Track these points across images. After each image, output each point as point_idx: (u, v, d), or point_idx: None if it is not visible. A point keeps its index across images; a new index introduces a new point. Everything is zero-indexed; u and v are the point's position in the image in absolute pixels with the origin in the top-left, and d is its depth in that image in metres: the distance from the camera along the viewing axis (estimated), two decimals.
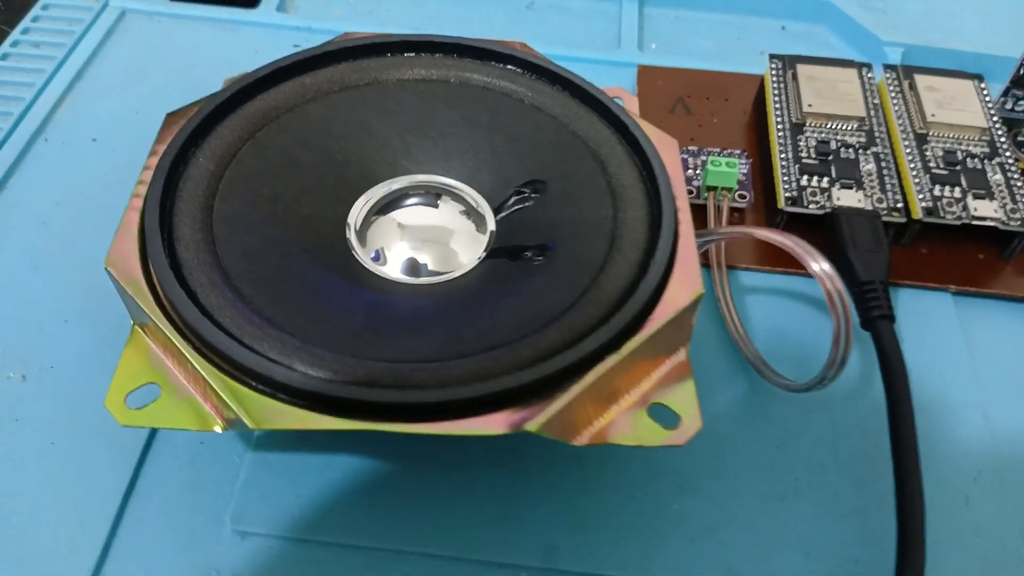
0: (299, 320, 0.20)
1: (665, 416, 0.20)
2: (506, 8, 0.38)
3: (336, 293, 0.22)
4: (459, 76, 0.27)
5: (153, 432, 0.23)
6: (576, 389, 0.19)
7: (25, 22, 0.35)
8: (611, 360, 0.20)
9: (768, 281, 0.28)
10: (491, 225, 0.24)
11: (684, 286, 0.21)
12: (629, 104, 0.28)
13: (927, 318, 0.28)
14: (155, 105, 0.32)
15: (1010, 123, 0.32)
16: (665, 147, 0.25)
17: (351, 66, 0.26)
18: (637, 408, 0.20)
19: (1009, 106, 0.32)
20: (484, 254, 0.24)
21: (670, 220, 0.22)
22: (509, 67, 0.27)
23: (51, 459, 0.23)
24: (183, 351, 0.19)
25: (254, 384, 0.19)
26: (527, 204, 0.25)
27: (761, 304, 0.28)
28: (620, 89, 0.28)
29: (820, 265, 0.22)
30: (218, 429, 0.19)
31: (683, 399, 0.20)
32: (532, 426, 0.19)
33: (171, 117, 0.25)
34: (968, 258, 0.29)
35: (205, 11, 0.36)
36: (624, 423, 0.20)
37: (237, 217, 0.23)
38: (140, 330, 0.21)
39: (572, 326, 0.20)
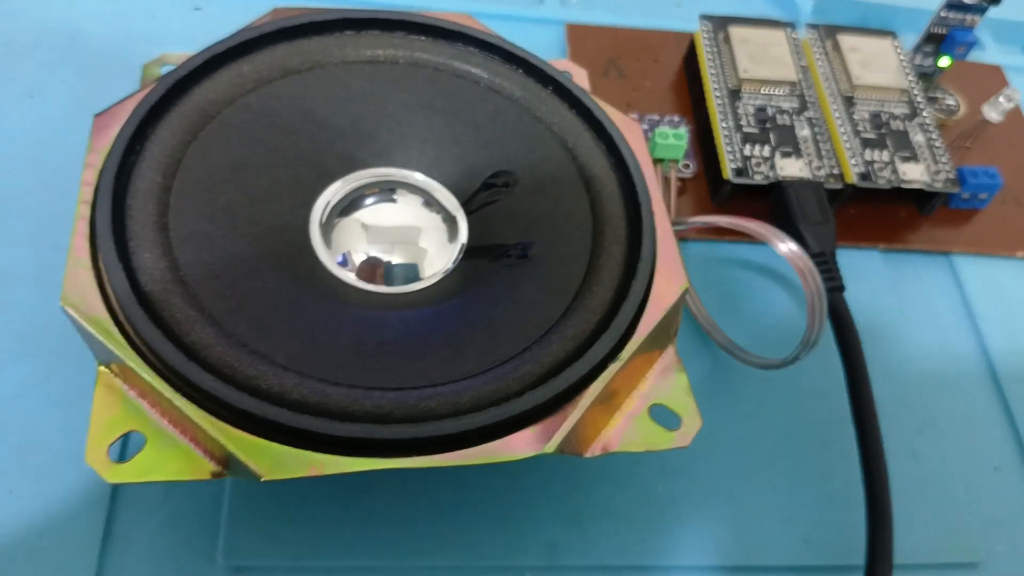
0: (289, 350, 0.19)
1: (666, 417, 0.21)
2: None
3: (318, 313, 0.21)
4: (408, 56, 0.25)
5: None
6: (585, 402, 0.19)
7: None
8: (613, 367, 0.20)
9: (711, 251, 0.29)
10: (463, 221, 0.24)
11: (670, 281, 0.22)
12: (579, 79, 0.27)
13: (861, 276, 0.29)
14: (45, 89, 0.29)
15: (920, 78, 0.33)
16: (629, 131, 0.24)
17: (290, 48, 0.24)
18: (638, 411, 0.21)
19: (918, 61, 0.33)
20: (460, 255, 0.23)
21: (648, 214, 0.22)
22: (459, 45, 0.26)
23: (14, 511, 0.21)
24: (173, 400, 0.18)
25: (258, 430, 0.18)
26: (498, 198, 0.24)
27: (708, 275, 0.28)
28: (568, 62, 0.27)
29: (789, 246, 0.23)
30: (216, 476, 0.18)
31: (680, 398, 0.21)
32: (551, 447, 0.19)
33: (100, 119, 0.22)
34: (892, 216, 0.30)
35: None
36: (629, 429, 0.20)
37: (196, 235, 0.21)
38: (108, 371, 0.19)
39: (572, 335, 0.20)
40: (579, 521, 0.23)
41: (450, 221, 0.24)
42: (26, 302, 0.24)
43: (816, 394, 0.26)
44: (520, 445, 0.19)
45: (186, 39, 0.31)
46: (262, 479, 0.17)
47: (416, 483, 0.23)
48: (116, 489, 0.21)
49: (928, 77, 0.33)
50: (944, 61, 0.33)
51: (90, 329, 0.19)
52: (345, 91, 0.24)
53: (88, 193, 0.21)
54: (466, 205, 0.24)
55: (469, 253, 0.23)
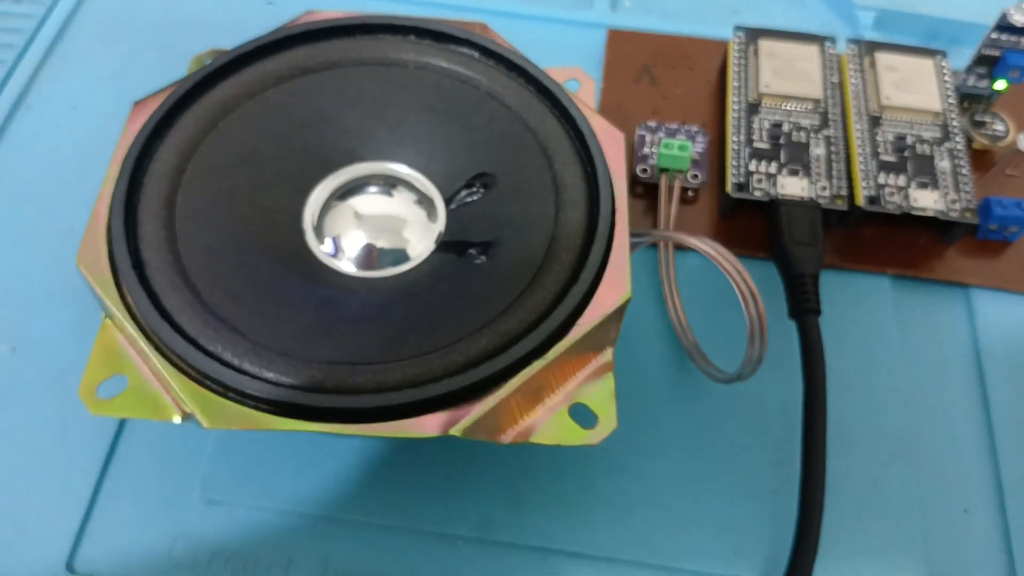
0: (253, 320, 0.22)
1: (585, 416, 0.22)
2: None
3: (289, 290, 0.23)
4: (417, 60, 0.27)
5: None
6: (501, 393, 0.21)
7: None
8: (537, 364, 0.21)
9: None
10: (442, 217, 0.26)
11: (613, 290, 0.23)
12: (585, 87, 0.28)
13: (863, 301, 0.29)
14: (130, 70, 0.33)
15: (970, 99, 0.32)
16: (611, 141, 0.26)
17: (311, 49, 0.27)
18: (560, 407, 0.22)
19: (971, 83, 0.32)
20: (434, 247, 0.25)
21: (605, 224, 0.24)
22: (466, 51, 0.27)
23: (38, 428, 0.25)
24: (147, 351, 0.21)
25: (209, 385, 0.21)
26: (476, 198, 0.26)
27: (710, 286, 0.29)
28: (578, 70, 0.29)
29: (736, 268, 0.23)
30: (177, 420, 0.22)
31: (602, 399, 0.22)
32: (456, 430, 0.21)
33: (137, 107, 0.26)
34: (910, 242, 0.30)
35: None
36: (546, 422, 0.22)
37: (198, 213, 0.24)
38: (110, 322, 0.23)
39: (504, 331, 0.22)
40: (518, 502, 0.25)
41: (432, 216, 0.26)
42: None
43: (780, 411, 0.26)
44: (430, 425, 0.21)
45: (258, 31, 0.34)
46: (205, 427, 0.21)
47: (374, 446, 0.25)
48: (123, 422, 0.25)
49: (983, 100, 0.32)
50: (1000, 84, 0.32)
51: (95, 286, 0.22)
52: (356, 91, 0.27)
53: (115, 170, 0.24)
54: (448, 202, 0.26)
55: (441, 247, 0.25)
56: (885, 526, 0.25)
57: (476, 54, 0.27)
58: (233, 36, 0.34)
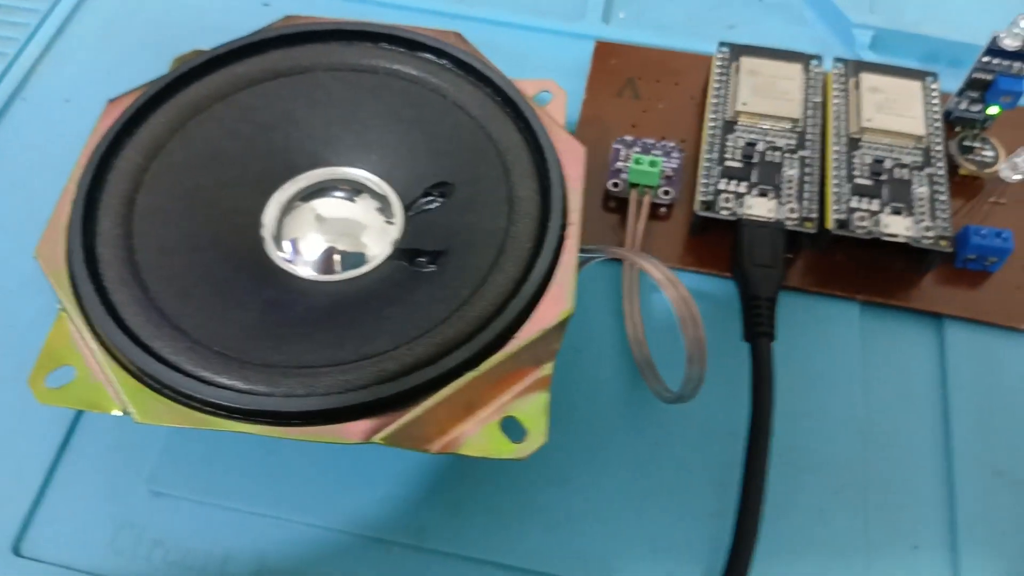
0: (197, 319, 0.23)
1: (514, 429, 0.22)
2: None
3: (239, 291, 0.24)
4: (387, 67, 0.28)
5: None
6: (429, 403, 0.21)
7: None
8: (469, 376, 0.22)
9: (692, 281, 0.29)
10: (400, 224, 0.26)
11: (555, 304, 0.23)
12: (556, 99, 0.28)
13: (829, 327, 0.28)
14: (125, 68, 0.34)
15: (963, 123, 0.31)
16: (571, 156, 0.26)
17: (284, 54, 0.28)
18: (490, 419, 0.22)
19: (963, 106, 0.31)
20: (389, 253, 0.25)
21: (552, 238, 0.24)
22: (436, 60, 0.28)
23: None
24: (91, 343, 0.22)
25: (145, 380, 0.22)
26: (433, 206, 0.26)
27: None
28: (551, 82, 0.29)
29: (678, 291, 0.23)
30: (117, 413, 0.22)
31: (534, 414, 0.22)
32: (380, 438, 0.21)
33: (111, 105, 0.26)
34: (883, 269, 0.29)
35: None
36: (476, 434, 0.22)
37: (158, 211, 0.25)
38: (64, 314, 0.24)
39: (440, 341, 0.22)
40: (455, 512, 0.25)
41: (391, 222, 0.26)
42: None
43: (728, 433, 0.26)
44: (354, 432, 0.21)
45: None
46: (136, 420, 0.21)
47: (315, 448, 0.25)
48: (81, 412, 0.26)
49: (976, 124, 0.31)
50: (993, 109, 0.31)
51: (49, 277, 0.23)
52: (325, 95, 0.27)
53: (81, 166, 0.25)
54: (407, 209, 0.26)
55: (396, 254, 0.25)
56: (828, 558, 0.25)
57: (447, 63, 0.28)
58: (228, 37, 0.34)
